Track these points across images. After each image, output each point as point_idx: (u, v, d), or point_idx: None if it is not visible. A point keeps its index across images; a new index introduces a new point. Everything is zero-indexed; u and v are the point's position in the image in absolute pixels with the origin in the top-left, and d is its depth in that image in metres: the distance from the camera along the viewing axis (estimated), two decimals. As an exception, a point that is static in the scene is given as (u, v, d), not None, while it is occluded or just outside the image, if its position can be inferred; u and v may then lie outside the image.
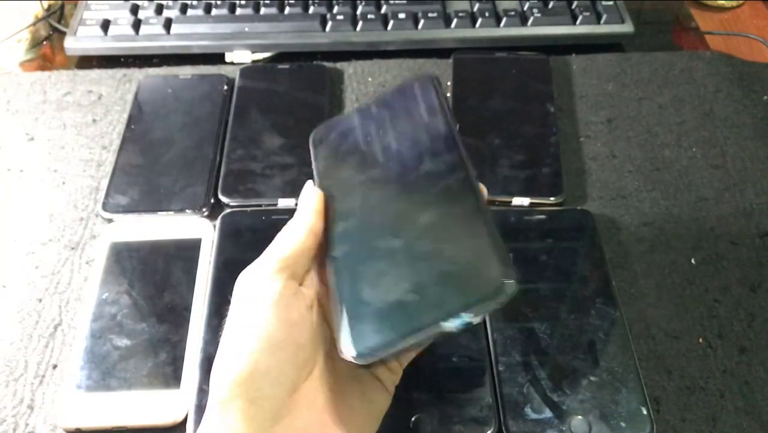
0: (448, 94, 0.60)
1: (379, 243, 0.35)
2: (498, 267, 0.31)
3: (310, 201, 0.38)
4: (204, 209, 0.52)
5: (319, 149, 0.42)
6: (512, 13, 0.65)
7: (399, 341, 0.31)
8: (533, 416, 0.41)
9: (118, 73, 0.63)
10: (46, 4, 0.70)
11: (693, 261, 0.50)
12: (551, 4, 0.66)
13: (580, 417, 0.41)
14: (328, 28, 0.65)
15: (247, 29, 0.65)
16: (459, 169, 0.35)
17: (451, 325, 0.30)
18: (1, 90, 0.62)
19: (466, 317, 0.30)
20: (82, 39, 0.64)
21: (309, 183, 0.39)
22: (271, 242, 0.50)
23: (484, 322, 0.45)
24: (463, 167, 0.35)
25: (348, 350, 0.31)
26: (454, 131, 0.37)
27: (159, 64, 0.65)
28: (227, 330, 0.34)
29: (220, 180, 0.54)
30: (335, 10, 0.66)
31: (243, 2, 0.66)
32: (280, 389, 0.31)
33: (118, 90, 0.62)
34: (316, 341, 0.34)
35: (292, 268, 0.35)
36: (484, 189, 0.36)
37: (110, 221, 0.52)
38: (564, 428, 0.41)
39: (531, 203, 0.53)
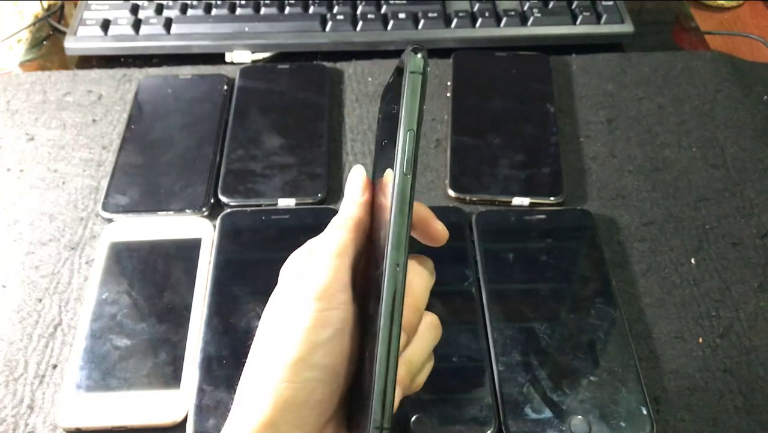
0: (448, 95, 0.60)
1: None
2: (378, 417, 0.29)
3: (355, 189, 0.34)
4: (204, 209, 0.52)
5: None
6: (512, 13, 0.65)
7: None
8: (533, 416, 0.41)
9: (118, 73, 0.63)
10: (46, 4, 0.70)
11: (693, 261, 0.50)
12: (551, 4, 0.66)
13: (580, 417, 0.41)
14: (328, 28, 0.65)
15: (247, 29, 0.65)
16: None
17: None
18: (1, 90, 0.62)
19: None
20: (82, 39, 0.64)
21: (358, 167, 0.35)
22: (271, 241, 0.50)
23: (484, 322, 0.45)
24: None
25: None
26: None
27: (159, 64, 0.64)
28: (265, 342, 0.32)
29: (220, 180, 0.54)
30: (335, 10, 0.66)
31: (243, 2, 0.66)
32: (321, 418, 0.31)
33: (118, 90, 0.62)
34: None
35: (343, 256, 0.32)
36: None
37: (110, 220, 0.52)
38: (564, 428, 0.41)
39: (531, 203, 0.53)
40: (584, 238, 0.50)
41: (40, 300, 0.48)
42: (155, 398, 0.43)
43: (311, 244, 0.34)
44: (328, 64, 0.63)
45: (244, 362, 0.33)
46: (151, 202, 0.53)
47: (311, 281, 0.31)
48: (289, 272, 0.34)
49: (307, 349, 0.30)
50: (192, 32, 0.65)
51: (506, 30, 0.65)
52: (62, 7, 0.71)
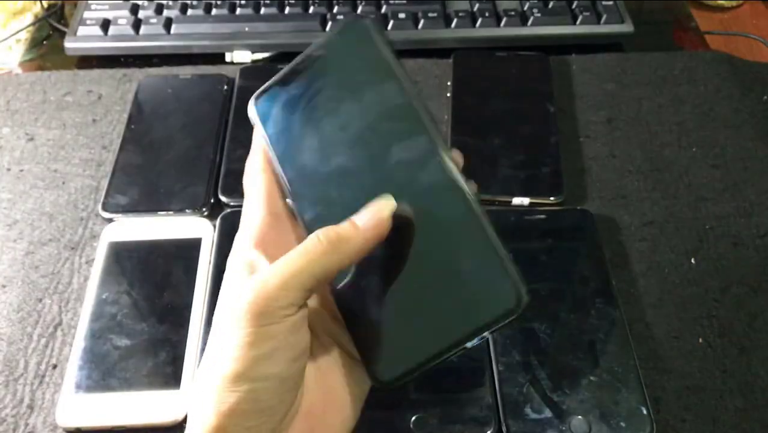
0: (448, 95, 0.60)
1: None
2: (515, 281, 0.31)
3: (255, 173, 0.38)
4: (204, 209, 0.52)
5: (268, 126, 0.41)
6: (512, 13, 0.65)
7: (427, 365, 0.31)
8: (533, 416, 0.41)
9: (118, 73, 0.63)
10: (46, 4, 0.70)
11: (693, 261, 0.50)
12: (551, 4, 0.66)
13: (580, 417, 0.41)
14: (327, 28, 0.65)
15: (247, 29, 0.65)
16: (431, 153, 0.32)
17: (473, 343, 0.30)
18: (1, 90, 0.62)
19: (487, 333, 0.30)
20: (82, 39, 0.64)
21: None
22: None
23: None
24: (434, 148, 0.32)
25: (381, 376, 0.32)
26: (412, 97, 0.34)
27: (159, 64, 0.64)
28: (210, 349, 0.31)
29: (220, 180, 0.54)
30: (335, 10, 0.66)
31: (243, 2, 0.66)
32: (274, 418, 0.30)
33: (118, 90, 0.62)
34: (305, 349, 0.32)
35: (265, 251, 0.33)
36: (458, 157, 0.33)
37: (110, 220, 0.52)
38: (564, 428, 0.41)
39: (531, 203, 0.53)
40: (584, 238, 0.50)
41: (40, 300, 0.48)
42: (155, 398, 0.43)
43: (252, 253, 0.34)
44: (328, 64, 0.63)
45: None
46: (151, 202, 0.53)
47: (247, 294, 0.30)
48: (233, 274, 0.33)
49: (248, 363, 0.29)
50: (192, 32, 0.65)
51: (506, 30, 0.65)
52: (62, 7, 0.71)
